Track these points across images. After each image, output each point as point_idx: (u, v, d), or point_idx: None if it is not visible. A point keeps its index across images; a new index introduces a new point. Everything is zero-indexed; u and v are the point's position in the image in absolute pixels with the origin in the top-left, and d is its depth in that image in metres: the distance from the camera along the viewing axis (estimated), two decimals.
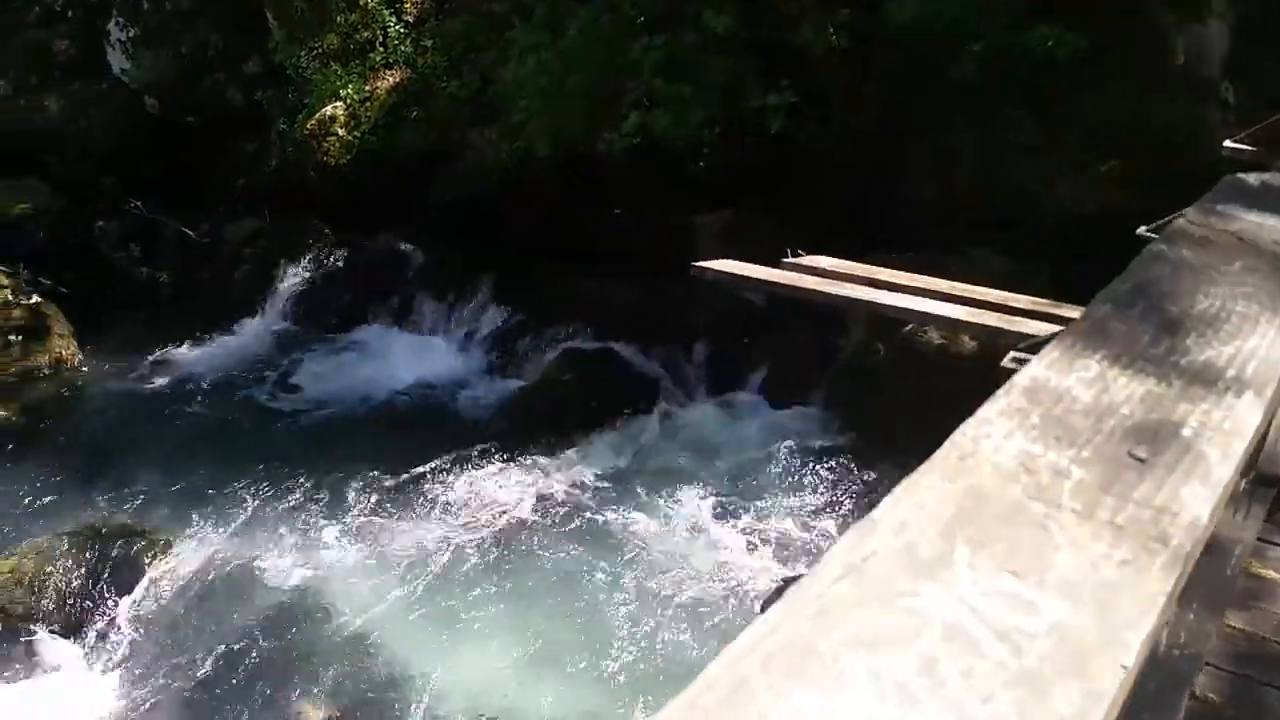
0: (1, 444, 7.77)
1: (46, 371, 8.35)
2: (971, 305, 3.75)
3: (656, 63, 8.27)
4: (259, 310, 9.28)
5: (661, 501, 6.74)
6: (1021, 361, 3.02)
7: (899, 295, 3.86)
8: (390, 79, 9.40)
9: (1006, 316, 3.68)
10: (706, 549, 6.27)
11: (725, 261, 4.32)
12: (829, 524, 6.31)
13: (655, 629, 5.72)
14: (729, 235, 7.60)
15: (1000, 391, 0.74)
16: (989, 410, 0.71)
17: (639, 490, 6.88)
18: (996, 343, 3.51)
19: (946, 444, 0.68)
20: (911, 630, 0.54)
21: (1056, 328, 3.14)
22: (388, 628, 6.14)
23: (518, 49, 8.70)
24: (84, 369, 8.59)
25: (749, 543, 6.25)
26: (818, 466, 6.86)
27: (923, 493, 0.63)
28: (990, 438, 0.67)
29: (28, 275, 8.71)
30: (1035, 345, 2.90)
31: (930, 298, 3.80)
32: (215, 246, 9.49)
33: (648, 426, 7.52)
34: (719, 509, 6.59)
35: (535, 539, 6.67)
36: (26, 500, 7.31)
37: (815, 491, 6.65)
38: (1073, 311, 3.46)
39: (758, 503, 6.58)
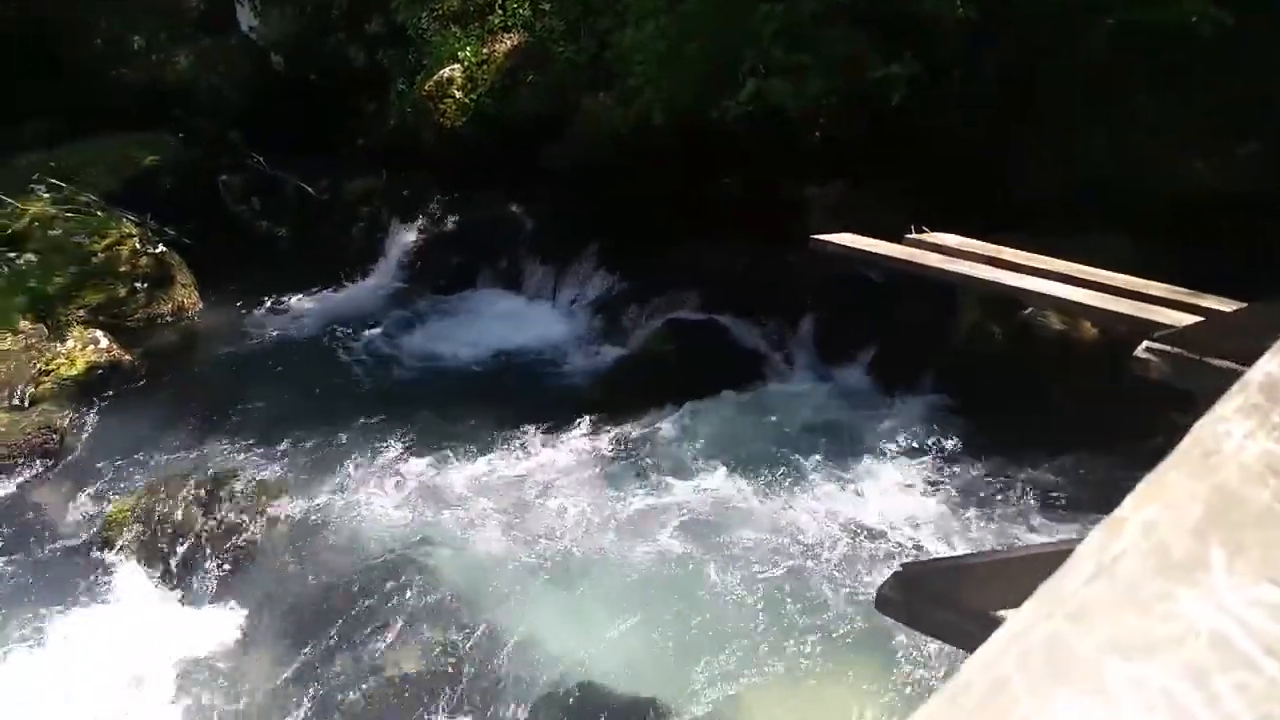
0: (126, 387, 8.10)
1: (169, 319, 8.65)
2: (1102, 290, 3.58)
3: (776, 31, 8.11)
4: (372, 267, 9.47)
5: (760, 479, 6.66)
6: (1157, 352, 2.87)
7: (1025, 277, 3.71)
8: (508, 42, 9.44)
9: (1140, 304, 3.49)
10: (805, 530, 6.18)
11: (846, 235, 4.20)
12: (934, 512, 6.16)
13: (746, 607, 5.66)
14: (842, 208, 7.46)
15: (1235, 388, 0.67)
16: (1225, 407, 0.64)
17: (737, 466, 6.81)
18: (1123, 330, 3.34)
19: (1188, 440, 0.62)
20: (1174, 637, 0.49)
21: (1194, 318, 2.97)
22: (479, 586, 6.20)
23: (635, 13, 8.63)
24: (203, 317, 8.89)
25: (850, 526, 6.13)
26: (924, 451, 6.70)
27: (1169, 491, 0.58)
28: (1231, 436, 0.61)
29: (155, 225, 9.02)
30: (1173, 336, 2.74)
31: (1057, 280, 3.64)
32: (332, 203, 9.69)
33: (750, 401, 7.44)
34: (819, 489, 6.48)
35: (629, 507, 6.67)
36: (147, 442, 7.61)
37: (921, 477, 6.50)
38: (1215, 302, 3.27)
39: (860, 485, 6.45)
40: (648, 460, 7.04)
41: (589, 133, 9.05)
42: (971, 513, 6.11)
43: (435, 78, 9.34)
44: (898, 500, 6.32)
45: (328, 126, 9.98)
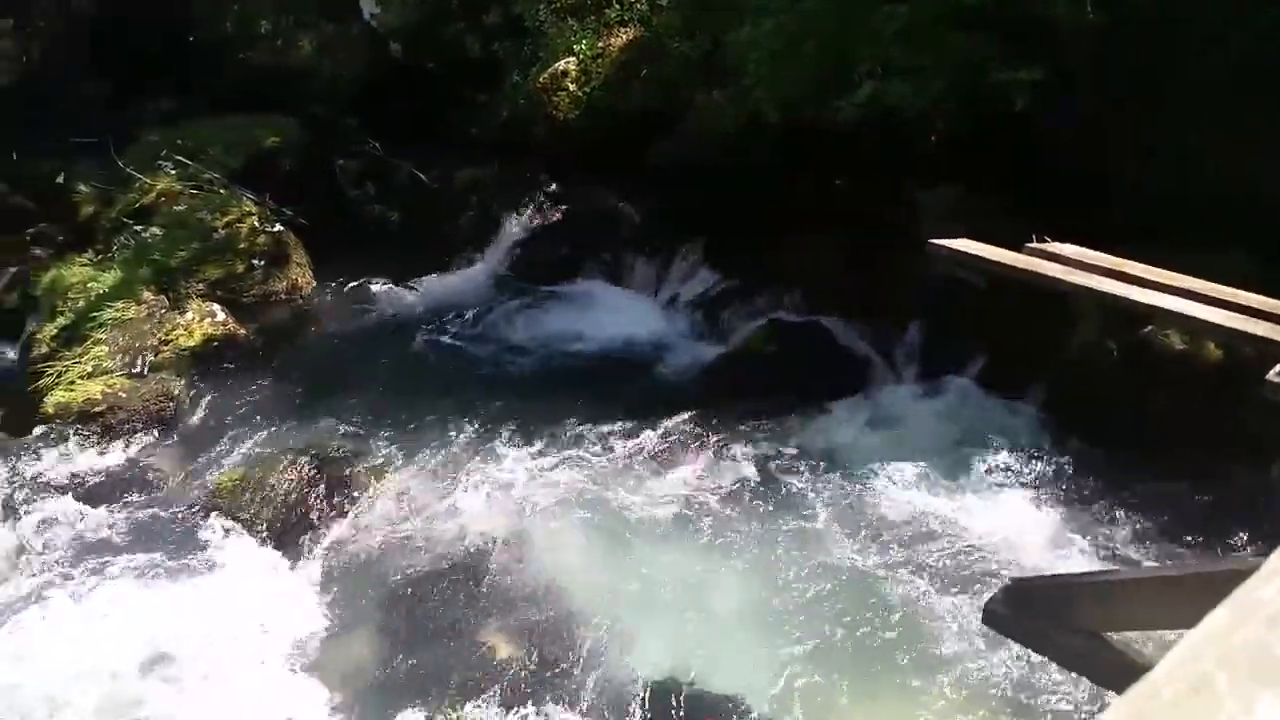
0: (239, 360, 8.40)
1: (283, 296, 8.93)
2: (1232, 309, 3.46)
3: (897, 31, 8.01)
4: (479, 255, 9.64)
5: (861, 485, 6.60)
6: None
7: (1149, 292, 3.59)
8: (624, 36, 9.51)
9: (1274, 326, 3.36)
10: (907, 539, 6.11)
11: (964, 241, 4.13)
12: (1040, 528, 6.03)
13: (844, 614, 5.62)
14: (955, 214, 7.32)
15: None
16: None
17: (836, 471, 6.76)
18: (1251, 353, 3.21)
19: None
20: None
21: None
22: (572, 576, 6.27)
23: (753, 11, 8.61)
24: (315, 296, 9.15)
25: (953, 538, 6.04)
26: (1032, 465, 6.55)
27: None
28: None
29: (273, 205, 9.31)
30: None
31: (1183, 297, 3.52)
32: (443, 191, 9.89)
33: (851, 406, 7.38)
34: (921, 498, 6.40)
35: (722, 506, 6.67)
36: (257, 414, 7.88)
37: (1027, 491, 6.35)
38: None
39: (964, 497, 6.34)
40: (744, 461, 7.03)
41: (699, 129, 9.06)
42: (1079, 531, 5.96)
43: (550, 70, 9.46)
44: (1003, 514, 6.20)
45: (441, 115, 10.18)
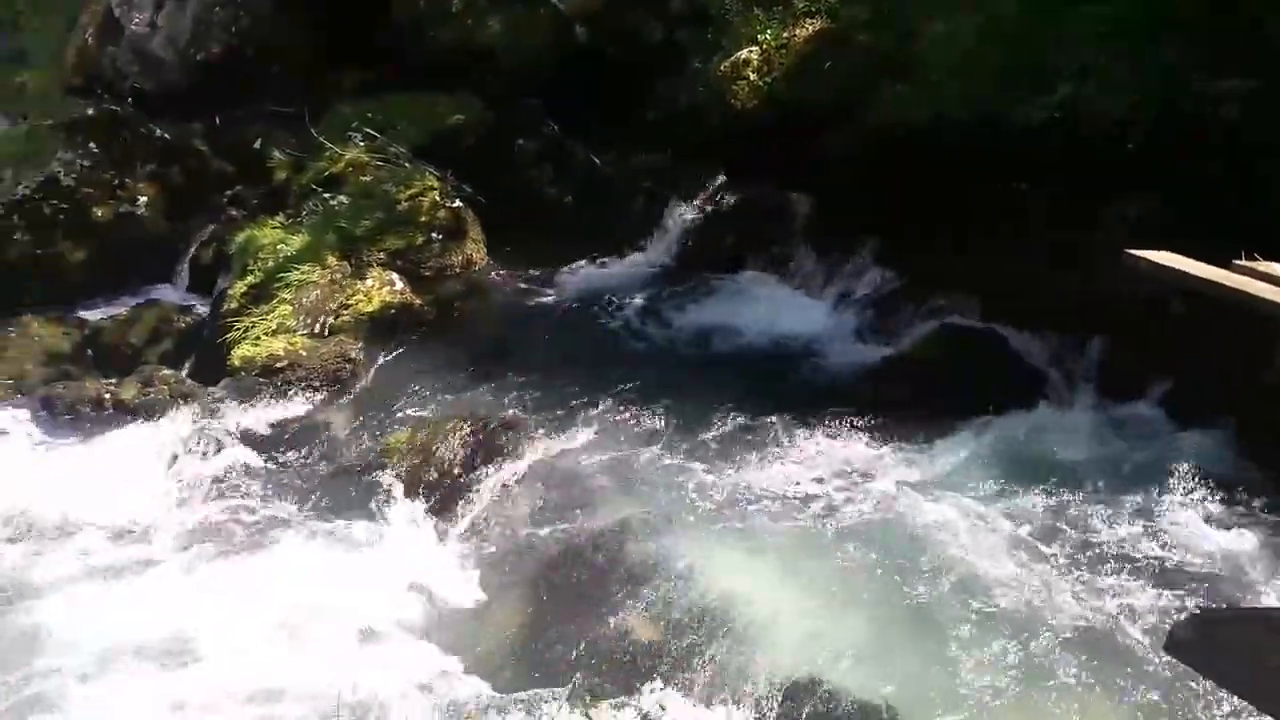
0: (413, 329, 8.75)
1: (457, 270, 9.25)
2: None
3: (1098, 33, 7.71)
4: (647, 242, 9.73)
5: (1030, 504, 6.36)
6: None
7: None
8: (810, 27, 9.43)
9: None
10: (1078, 562, 5.87)
11: (1164, 254, 3.97)
12: (1223, 563, 5.70)
13: (1002, 636, 5.44)
14: (1148, 226, 6.99)
15: None
16: None
17: (1004, 487, 6.54)
18: None
19: None
20: None
21: None
22: (715, 565, 6.26)
23: (944, 7, 8.43)
24: (488, 273, 9.44)
25: (1127, 565, 5.78)
26: (1217, 497, 6.19)
27: None
28: None
29: (454, 181, 9.63)
30: None
31: None
32: (617, 176, 10.00)
33: (1025, 420, 7.12)
34: (1095, 523, 6.13)
35: (876, 512, 6.55)
36: (426, 381, 8.18)
37: (1210, 524, 6.01)
38: None
39: (1141, 524, 6.05)
40: (903, 469, 6.90)
41: (880, 125, 8.90)
42: (1269, 568, 5.62)
43: (732, 59, 9.47)
44: (1181, 545, 5.89)
45: (619, 100, 10.29)
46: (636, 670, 5.65)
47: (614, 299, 8.99)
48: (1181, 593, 5.54)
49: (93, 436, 7.68)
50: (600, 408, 7.65)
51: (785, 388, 7.80)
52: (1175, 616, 5.26)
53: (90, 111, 10.49)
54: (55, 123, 10.51)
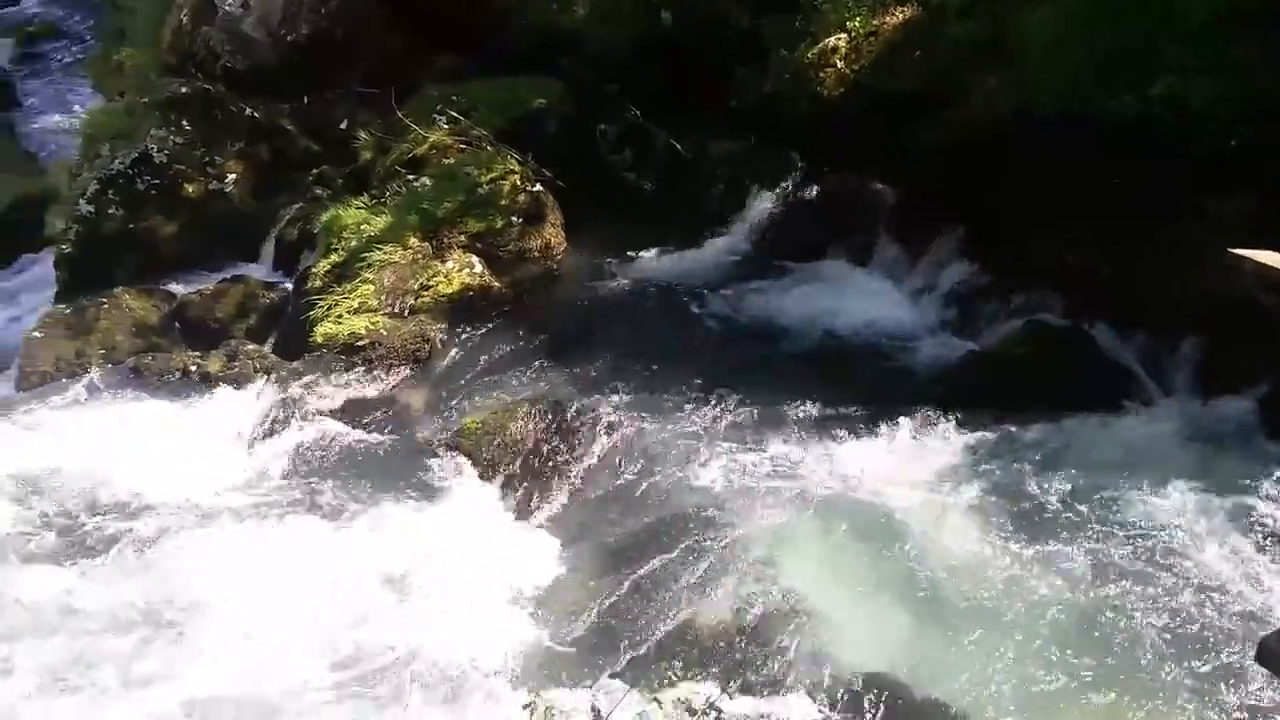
0: (491, 311, 8.81)
1: (536, 254, 9.28)
2: None
3: (1202, 23, 7.43)
4: (727, 230, 9.66)
5: (1118, 509, 6.20)
6: None
7: None
8: (899, 15, 9.25)
9: None
10: (1160, 572, 5.72)
11: (1269, 254, 3.85)
12: None
13: (1090, 642, 5.36)
14: (1250, 226, 6.73)
15: None
16: None
17: (1085, 491, 6.39)
18: None
19: None
20: None
21: None
22: (792, 555, 6.24)
23: None
24: (566, 257, 9.44)
25: (1221, 573, 5.61)
26: None
27: None
28: None
29: (534, 165, 9.65)
30: None
31: None
32: (697, 163, 9.93)
33: (1114, 422, 6.94)
34: (1186, 529, 5.96)
35: (956, 511, 6.45)
36: (503, 364, 8.25)
37: None
38: None
39: (1234, 533, 5.86)
40: (984, 467, 6.78)
41: (969, 115, 8.71)
42: None
43: (819, 46, 9.33)
44: (1276, 550, 5.70)
45: (702, 87, 10.21)
46: (705, 657, 5.67)
47: (692, 286, 8.95)
48: (1262, 604, 5.37)
49: (179, 406, 7.89)
50: (676, 395, 7.64)
51: (865, 381, 7.70)
52: (1267, 624, 5.09)
53: (184, 90, 10.71)
54: (150, 100, 10.78)
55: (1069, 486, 6.44)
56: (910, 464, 6.92)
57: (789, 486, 6.70)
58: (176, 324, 9.19)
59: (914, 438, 7.07)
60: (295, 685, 5.54)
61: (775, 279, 9.07)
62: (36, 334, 8.83)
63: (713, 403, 7.49)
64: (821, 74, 9.41)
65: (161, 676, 5.60)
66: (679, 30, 10.32)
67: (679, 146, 10.02)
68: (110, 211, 9.99)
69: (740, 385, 7.62)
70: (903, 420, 7.16)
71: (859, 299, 8.68)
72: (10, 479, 7.02)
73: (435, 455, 7.39)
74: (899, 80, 9.10)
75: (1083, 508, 6.26)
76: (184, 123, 10.48)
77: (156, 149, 10.27)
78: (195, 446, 7.43)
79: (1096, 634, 5.35)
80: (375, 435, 7.63)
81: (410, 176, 9.65)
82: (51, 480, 7.04)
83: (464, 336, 8.55)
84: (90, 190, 10.10)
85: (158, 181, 10.16)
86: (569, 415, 7.44)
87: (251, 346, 8.53)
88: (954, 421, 7.09)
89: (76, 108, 13.51)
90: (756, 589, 5.99)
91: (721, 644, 5.74)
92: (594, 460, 7.22)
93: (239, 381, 8.07)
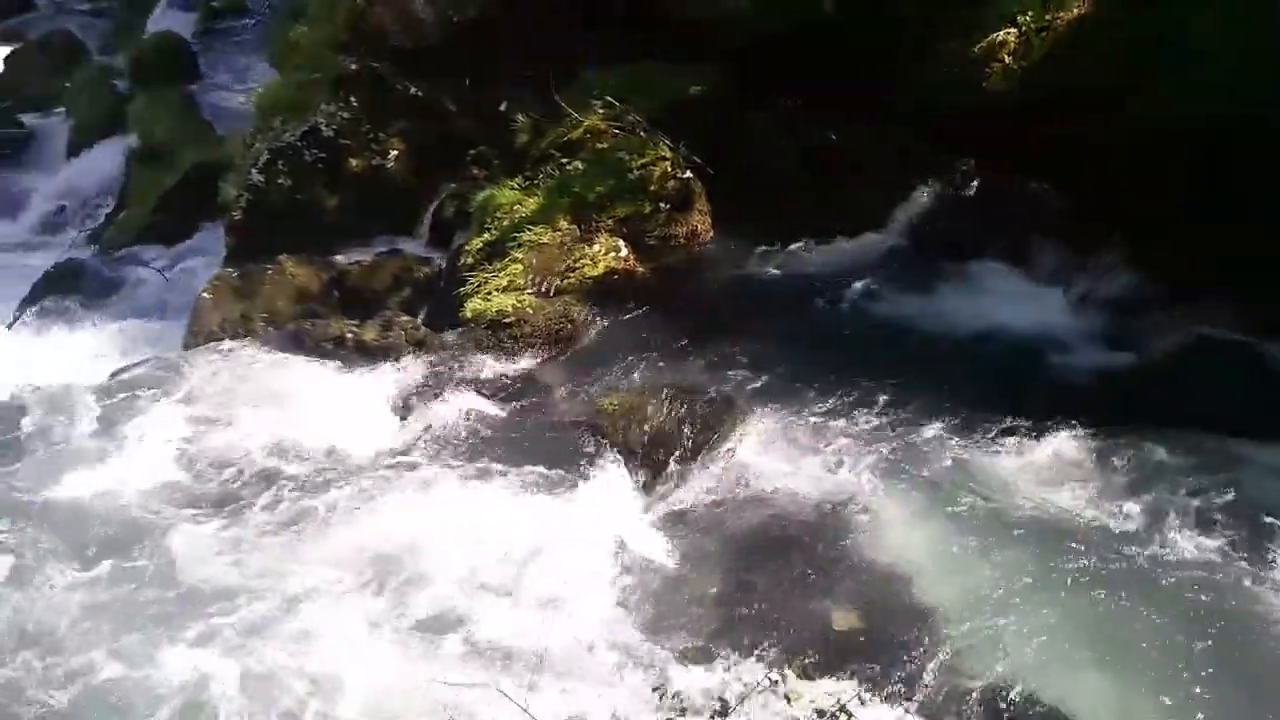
0: (634, 296, 8.87)
1: (681, 241, 9.32)
2: None
3: None
4: (879, 225, 9.48)
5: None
6: None
7: None
8: (1074, 11, 8.90)
9: None
10: None
11: None
12: None
13: (1230, 690, 5.07)
14: None
15: None
16: None
17: (1252, 524, 6.05)
18: None
19: None
20: None
21: None
22: (928, 563, 6.15)
23: None
24: (712, 246, 9.44)
25: None
26: None
27: None
28: None
29: (685, 152, 9.65)
30: None
31: None
32: (853, 154, 9.74)
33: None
34: None
35: (1107, 531, 6.20)
36: (643, 348, 8.32)
37: None
38: None
39: None
40: (1142, 487, 6.49)
41: (1139, 116, 8.33)
42: None
43: (988, 40, 9.07)
44: None
45: (862, 77, 10.02)
46: (835, 658, 5.61)
47: (842, 281, 8.84)
48: None
49: (335, 371, 8.20)
50: (816, 391, 7.57)
51: (1017, 388, 7.49)
52: None
53: (354, 67, 11.09)
54: (322, 76, 11.19)
55: (1232, 516, 6.12)
56: (1060, 477, 6.70)
57: (931, 492, 6.59)
58: (335, 292, 9.55)
59: (1066, 450, 6.84)
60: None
61: (929, 278, 8.87)
62: (206, 295, 9.31)
63: (855, 402, 7.40)
64: (989, 68, 9.13)
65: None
66: (842, 19, 10.13)
67: (834, 137, 9.87)
68: (279, 182, 10.43)
69: (886, 385, 7.51)
70: (1055, 431, 6.94)
71: (1015, 303, 8.43)
72: (177, 430, 7.40)
73: (573, 434, 7.46)
74: (1068, 78, 8.77)
75: (1247, 539, 5.96)
76: (352, 99, 10.85)
77: (325, 124, 10.66)
78: (350, 410, 7.72)
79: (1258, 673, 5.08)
80: (516, 410, 7.78)
81: (564, 159, 9.79)
82: (213, 435, 7.40)
83: (606, 319, 8.65)
84: (261, 161, 10.58)
85: (324, 155, 10.55)
86: (707, 403, 7.44)
87: (404, 318, 8.81)
88: (1111, 436, 6.83)
89: (252, 82, 14.13)
90: (891, 593, 5.90)
91: (852, 646, 5.68)
92: (729, 451, 7.22)
93: (391, 351, 8.35)
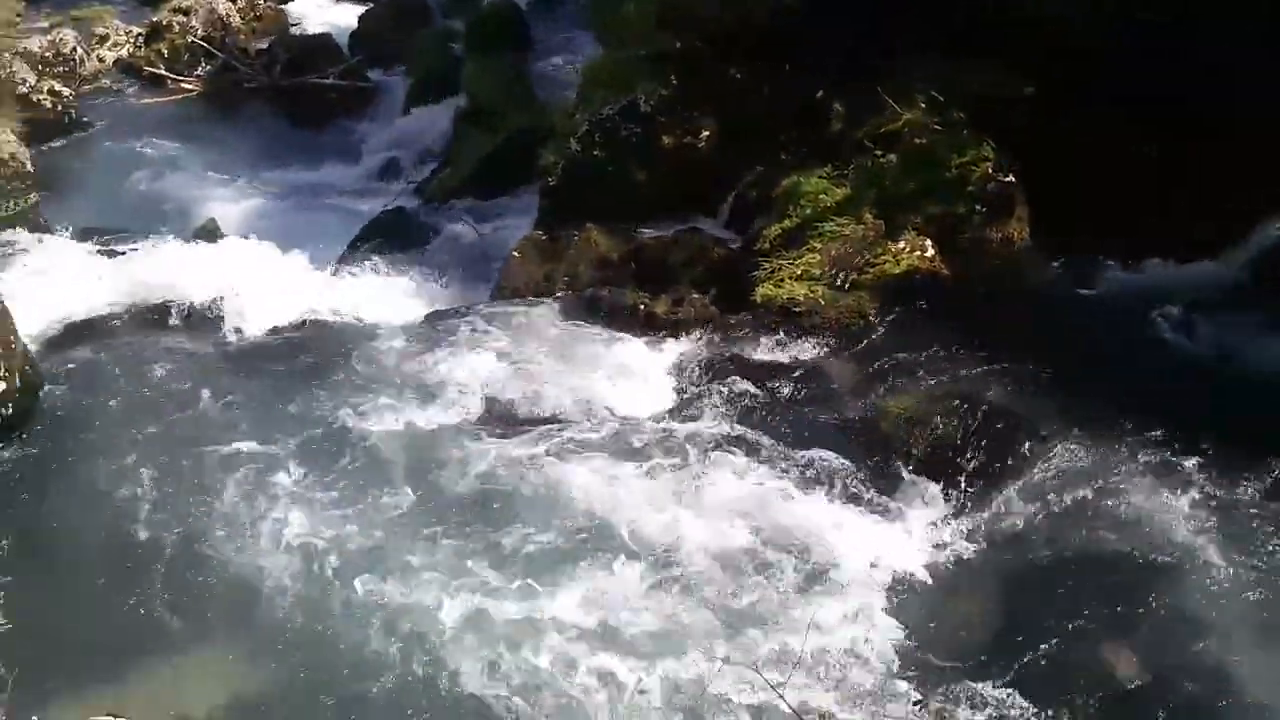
0: (935, 299, 8.63)
1: (994, 246, 8.99)
2: None
3: None
4: (1215, 253, 8.76)
5: None
6: None
7: None
8: None
9: None
10: None
11: None
12: None
13: None
14: None
15: None
16: None
17: None
18: None
19: None
20: None
21: None
22: (1215, 614, 5.83)
23: None
24: (1027, 255, 9.00)
25: None
26: None
27: None
28: None
29: (1008, 154, 9.25)
30: None
31: None
32: (1192, 169, 8.95)
33: None
34: None
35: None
36: (937, 354, 8.11)
37: None
38: None
39: None
40: None
41: None
42: None
43: None
44: None
45: (1193, 81, 9.12)
46: (1111, 709, 5.36)
47: (1165, 304, 8.27)
48: None
49: (625, 338, 8.56)
50: (1125, 427, 7.17)
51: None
52: None
53: (676, 45, 11.36)
54: (645, 53, 11.55)
55: None
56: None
57: (1248, 548, 6.13)
58: (632, 264, 9.90)
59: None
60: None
61: (1264, 314, 8.10)
62: (515, 254, 9.95)
63: (1167, 442, 6.97)
64: None
65: None
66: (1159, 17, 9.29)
67: (1156, 153, 9.10)
68: (594, 153, 10.89)
69: (1199, 422, 7.04)
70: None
71: None
72: (481, 373, 7.99)
73: (851, 431, 7.46)
74: None
75: None
76: (671, 77, 11.14)
77: (643, 100, 11.03)
78: (636, 377, 8.05)
79: None
80: (798, 399, 7.84)
81: (878, 152, 9.65)
82: (513, 382, 7.92)
83: (901, 319, 8.50)
84: (580, 131, 11.07)
85: (639, 130, 10.92)
86: (999, 420, 7.23)
87: (696, 295, 9.04)
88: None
89: (577, 54, 14.78)
90: (1172, 643, 5.59)
91: (1123, 691, 5.49)
92: (1017, 472, 6.98)
93: (680, 326, 8.62)
